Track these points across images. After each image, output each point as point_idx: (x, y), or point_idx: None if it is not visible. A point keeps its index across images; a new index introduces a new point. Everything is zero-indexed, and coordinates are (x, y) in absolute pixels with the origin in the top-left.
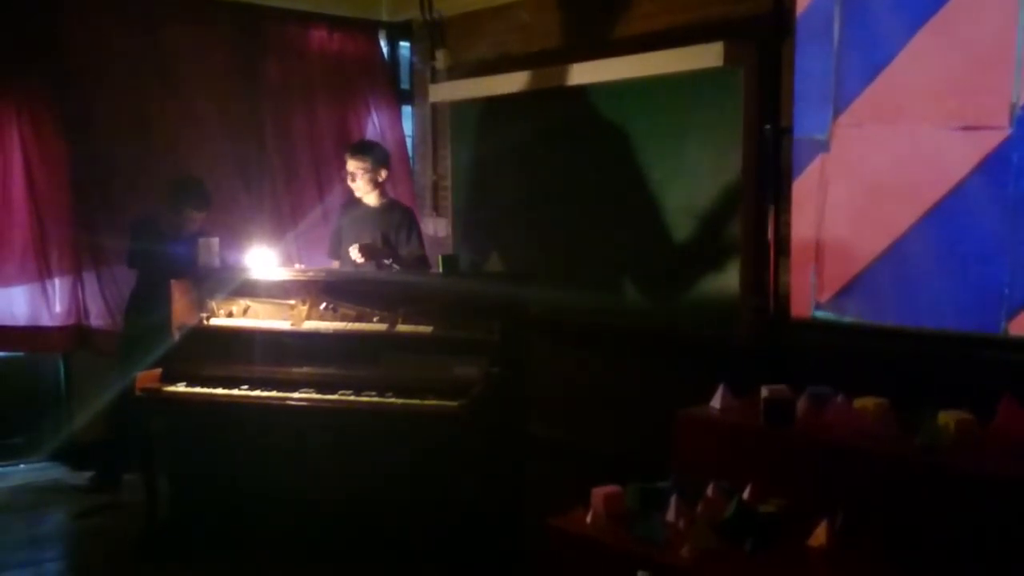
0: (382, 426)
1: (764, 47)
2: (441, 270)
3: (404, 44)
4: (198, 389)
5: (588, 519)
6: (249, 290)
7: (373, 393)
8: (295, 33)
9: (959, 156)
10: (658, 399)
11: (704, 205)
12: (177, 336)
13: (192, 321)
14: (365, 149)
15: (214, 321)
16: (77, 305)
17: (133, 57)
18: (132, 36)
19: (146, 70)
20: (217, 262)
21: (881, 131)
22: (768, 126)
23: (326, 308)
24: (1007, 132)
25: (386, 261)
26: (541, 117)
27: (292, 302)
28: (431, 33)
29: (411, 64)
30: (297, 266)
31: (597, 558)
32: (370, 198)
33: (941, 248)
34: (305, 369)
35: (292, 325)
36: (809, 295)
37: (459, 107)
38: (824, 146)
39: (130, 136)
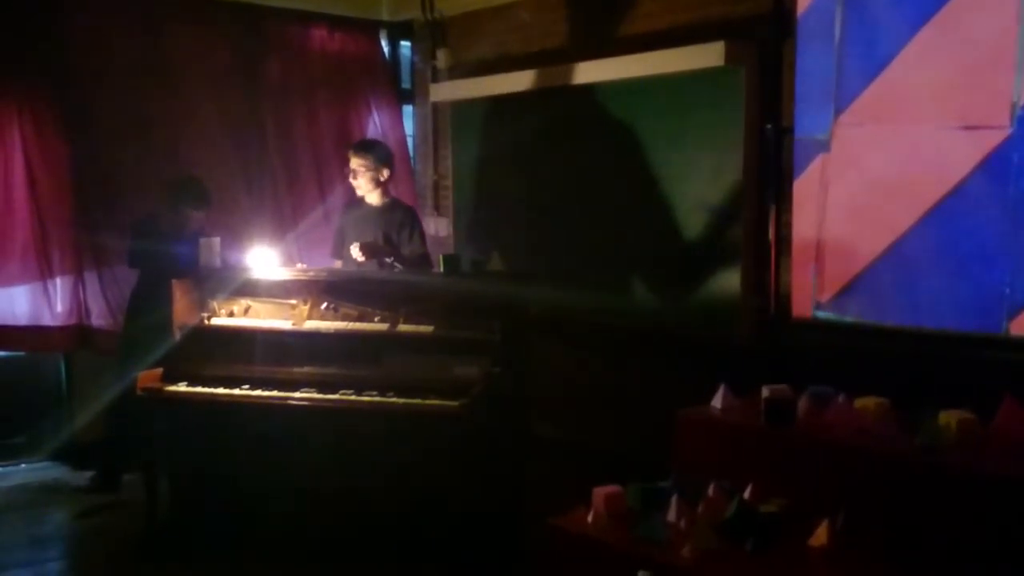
0: (383, 426)
1: (765, 47)
2: (442, 270)
3: (405, 44)
4: (199, 389)
5: (589, 519)
6: (250, 290)
7: (374, 393)
8: (296, 33)
9: (960, 156)
10: (659, 399)
11: (705, 205)
12: (178, 336)
13: (193, 321)
14: (368, 147)
15: (215, 321)
16: (78, 305)
17: (134, 57)
18: (133, 36)
19: (147, 70)
20: (218, 262)
21: (882, 131)
22: (769, 126)
23: (327, 308)
24: (1008, 131)
25: (387, 259)
26: (542, 117)
27: (293, 302)
28: (432, 33)
29: (412, 64)
30: (299, 266)
31: (598, 558)
32: (372, 197)
33: (942, 248)
34: (306, 369)
35: (293, 325)
36: (810, 295)
37: (460, 107)
38: (825, 146)
39: (131, 136)
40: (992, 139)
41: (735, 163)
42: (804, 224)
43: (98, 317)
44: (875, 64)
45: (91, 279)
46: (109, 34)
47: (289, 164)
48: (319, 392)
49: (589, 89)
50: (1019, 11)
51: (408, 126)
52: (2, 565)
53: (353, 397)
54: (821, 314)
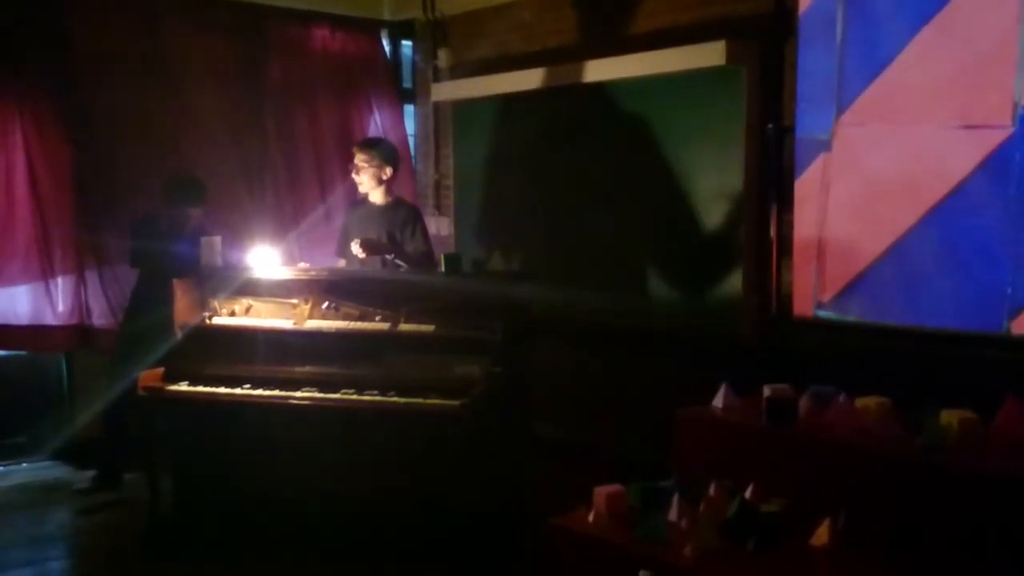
0: (384, 425)
1: (766, 46)
2: (443, 269)
3: (406, 43)
4: (200, 388)
5: (590, 518)
6: (251, 289)
7: (375, 392)
8: (297, 32)
9: (961, 155)
10: (660, 398)
11: (706, 204)
12: (179, 335)
13: (194, 320)
14: (372, 144)
15: (216, 320)
16: (79, 304)
17: (136, 57)
18: (135, 36)
19: (148, 70)
20: (219, 261)
21: (883, 130)
22: (770, 125)
23: (328, 307)
24: (1010, 131)
25: (388, 256)
26: (543, 116)
27: (294, 301)
28: (433, 32)
29: (413, 63)
30: (300, 265)
31: (599, 557)
32: (376, 196)
33: (943, 247)
34: (307, 368)
35: (295, 324)
36: (811, 294)
37: (461, 106)
38: (826, 145)
39: (132, 135)
40: (993, 138)
41: (736, 162)
42: (805, 223)
43: (99, 316)
44: (876, 63)
45: (92, 278)
46: (111, 34)
47: (290, 164)
48: (320, 391)
49: (590, 88)
50: (1020, 11)
51: (409, 126)
52: (3, 564)
53: (354, 396)
54: (822, 313)
